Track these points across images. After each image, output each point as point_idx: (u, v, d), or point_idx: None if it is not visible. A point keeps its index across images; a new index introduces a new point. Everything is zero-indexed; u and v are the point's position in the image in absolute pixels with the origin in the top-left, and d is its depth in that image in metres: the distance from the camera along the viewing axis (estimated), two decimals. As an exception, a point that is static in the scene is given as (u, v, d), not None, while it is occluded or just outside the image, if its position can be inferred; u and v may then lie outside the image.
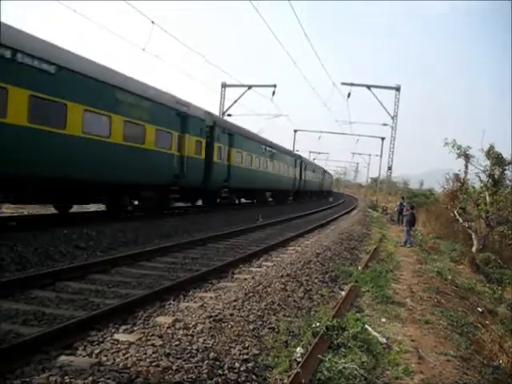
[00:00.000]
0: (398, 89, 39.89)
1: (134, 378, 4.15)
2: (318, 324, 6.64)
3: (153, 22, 18.19)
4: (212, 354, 4.99)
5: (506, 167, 22.44)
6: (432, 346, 7.01)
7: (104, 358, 4.61)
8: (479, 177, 23.38)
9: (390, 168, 43.36)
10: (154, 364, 4.50)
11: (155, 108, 16.84)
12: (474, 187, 24.13)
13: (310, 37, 22.88)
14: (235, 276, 9.60)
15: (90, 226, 13.02)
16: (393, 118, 40.69)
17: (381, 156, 52.13)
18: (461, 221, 23.78)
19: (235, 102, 37.24)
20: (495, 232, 23.47)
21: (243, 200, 32.03)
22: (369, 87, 38.38)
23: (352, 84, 38.79)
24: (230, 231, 16.21)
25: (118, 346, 4.98)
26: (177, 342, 5.12)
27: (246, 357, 5.24)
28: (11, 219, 14.23)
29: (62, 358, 4.62)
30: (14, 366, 4.52)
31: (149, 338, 5.22)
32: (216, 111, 36.22)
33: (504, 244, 23.55)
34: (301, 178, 46.08)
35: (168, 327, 5.60)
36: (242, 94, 36.68)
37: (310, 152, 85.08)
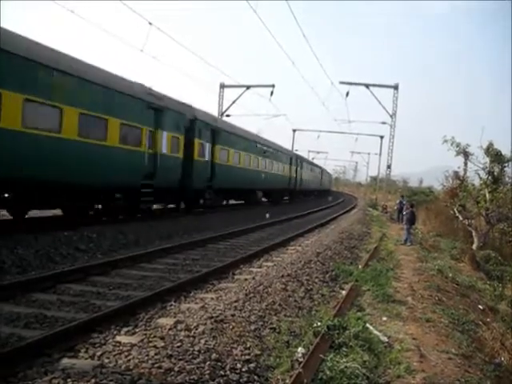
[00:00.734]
0: (396, 87, 39.96)
1: (136, 380, 4.16)
2: (319, 324, 6.65)
3: (150, 23, 18.19)
4: (214, 355, 5.00)
5: (506, 164, 22.45)
6: (433, 344, 7.01)
7: (106, 360, 4.62)
8: (478, 174, 23.42)
9: (389, 166, 43.43)
10: (156, 365, 4.51)
11: (120, 99, 14.82)
12: (473, 185, 24.15)
13: (308, 37, 22.92)
14: (236, 276, 9.61)
15: (90, 229, 13.03)
16: (391, 116, 40.75)
17: (380, 154, 52.15)
18: (461, 218, 23.80)
19: (234, 102, 37.28)
20: (495, 229, 23.50)
21: (233, 201, 30.54)
22: (367, 86, 38.43)
23: (350, 83, 38.91)
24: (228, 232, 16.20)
25: (120, 347, 4.98)
26: (178, 344, 5.12)
27: (247, 357, 5.24)
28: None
29: (65, 361, 4.63)
30: (16, 370, 4.52)
31: (151, 339, 5.23)
32: (215, 112, 36.28)
33: (504, 241, 23.57)
34: (296, 176, 44.34)
35: (169, 328, 5.61)
36: (241, 95, 36.73)
37: (309, 151, 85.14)
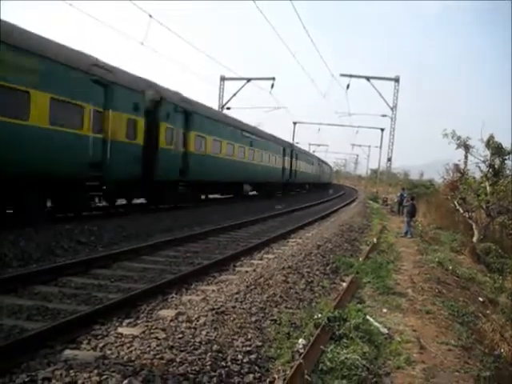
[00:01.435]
0: (397, 80, 39.85)
1: (138, 371, 4.19)
2: (319, 315, 6.69)
3: (150, 16, 18.14)
4: (215, 347, 5.03)
5: (506, 157, 22.42)
6: (433, 336, 7.05)
7: (108, 352, 4.65)
8: (479, 167, 23.40)
9: (389, 159, 43.38)
10: (157, 357, 4.54)
11: (50, 68, 11.88)
12: (474, 177, 24.14)
13: (310, 33, 22.75)
14: (237, 269, 9.64)
15: (91, 221, 13.05)
16: (392, 109, 40.66)
17: (380, 147, 52.07)
18: (461, 211, 23.81)
19: (234, 95, 37.27)
20: (496, 222, 23.50)
21: (216, 195, 27.71)
22: (368, 78, 38.34)
23: (351, 75, 38.77)
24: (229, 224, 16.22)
25: (122, 339, 5.01)
26: (180, 335, 5.16)
27: (248, 349, 5.28)
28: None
29: (67, 352, 4.66)
30: (19, 361, 4.56)
31: (152, 331, 5.26)
32: (215, 105, 36.20)
33: (504, 234, 23.57)
34: (291, 168, 41.36)
35: (171, 320, 5.65)
36: (241, 87, 36.67)
37: (310, 144, 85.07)
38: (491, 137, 22.24)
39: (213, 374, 4.50)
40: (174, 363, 4.49)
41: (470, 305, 10.10)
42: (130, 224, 13.88)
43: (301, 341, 5.80)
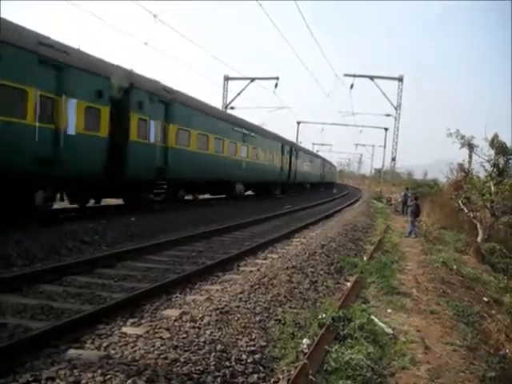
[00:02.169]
0: (400, 79, 39.84)
1: (142, 371, 4.19)
2: (324, 315, 6.67)
3: (155, 16, 18.15)
4: (219, 346, 5.03)
5: (511, 156, 22.35)
6: (438, 336, 7.03)
7: (112, 351, 4.65)
8: (483, 166, 23.34)
9: (393, 159, 43.47)
10: (161, 356, 4.54)
11: None
12: (478, 177, 24.07)
13: (313, 33, 22.68)
14: (241, 268, 9.62)
15: (95, 221, 13.06)
16: (396, 108, 40.63)
17: (384, 147, 52.11)
18: (465, 211, 23.72)
19: (238, 94, 37.36)
20: (500, 222, 23.42)
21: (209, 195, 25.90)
22: (372, 78, 38.35)
23: (355, 75, 38.82)
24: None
25: (126, 339, 5.02)
26: (184, 335, 5.15)
27: (252, 348, 5.28)
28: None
29: (71, 352, 4.65)
30: (23, 360, 4.55)
31: (156, 330, 5.26)
32: (219, 104, 36.20)
33: (509, 233, 23.50)
34: (291, 167, 38.82)
35: (175, 320, 5.64)
36: (245, 87, 36.71)
37: (314, 144, 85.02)
38: (495, 136, 22.18)
39: (217, 373, 4.49)
40: (178, 363, 4.48)
41: (475, 305, 10.07)
42: (134, 223, 13.90)
43: (305, 341, 5.79)
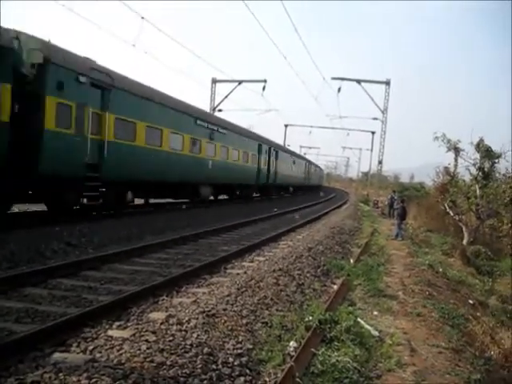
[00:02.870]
0: (387, 83, 40.10)
1: (128, 374, 4.16)
2: (310, 318, 6.69)
3: (142, 18, 18.11)
4: (206, 349, 5.01)
5: (496, 160, 22.64)
6: (424, 339, 7.07)
7: (98, 355, 4.61)
8: (469, 170, 23.61)
9: (380, 162, 43.70)
10: (148, 360, 4.51)
11: None
12: (464, 180, 24.35)
13: (301, 35, 22.77)
14: (228, 271, 9.60)
15: (81, 223, 12.94)
16: (383, 112, 40.89)
17: (371, 150, 52.43)
18: (451, 214, 23.97)
19: (226, 97, 37.34)
20: (485, 225, 23.70)
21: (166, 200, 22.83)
22: (359, 82, 38.53)
23: (342, 78, 39.02)
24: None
25: (112, 342, 4.97)
26: (170, 338, 5.13)
27: (239, 351, 5.27)
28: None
29: (56, 355, 4.61)
30: (7, 364, 4.50)
31: (142, 333, 5.22)
32: (207, 107, 36.14)
33: (494, 236, 23.80)
34: (269, 168, 35.55)
35: (161, 323, 5.61)
36: (233, 90, 36.72)
37: (301, 147, 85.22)
38: (481, 140, 22.47)
39: (203, 376, 4.48)
40: (165, 366, 4.46)
41: (461, 307, 10.16)
42: (120, 225, 13.80)
43: (292, 343, 5.80)
